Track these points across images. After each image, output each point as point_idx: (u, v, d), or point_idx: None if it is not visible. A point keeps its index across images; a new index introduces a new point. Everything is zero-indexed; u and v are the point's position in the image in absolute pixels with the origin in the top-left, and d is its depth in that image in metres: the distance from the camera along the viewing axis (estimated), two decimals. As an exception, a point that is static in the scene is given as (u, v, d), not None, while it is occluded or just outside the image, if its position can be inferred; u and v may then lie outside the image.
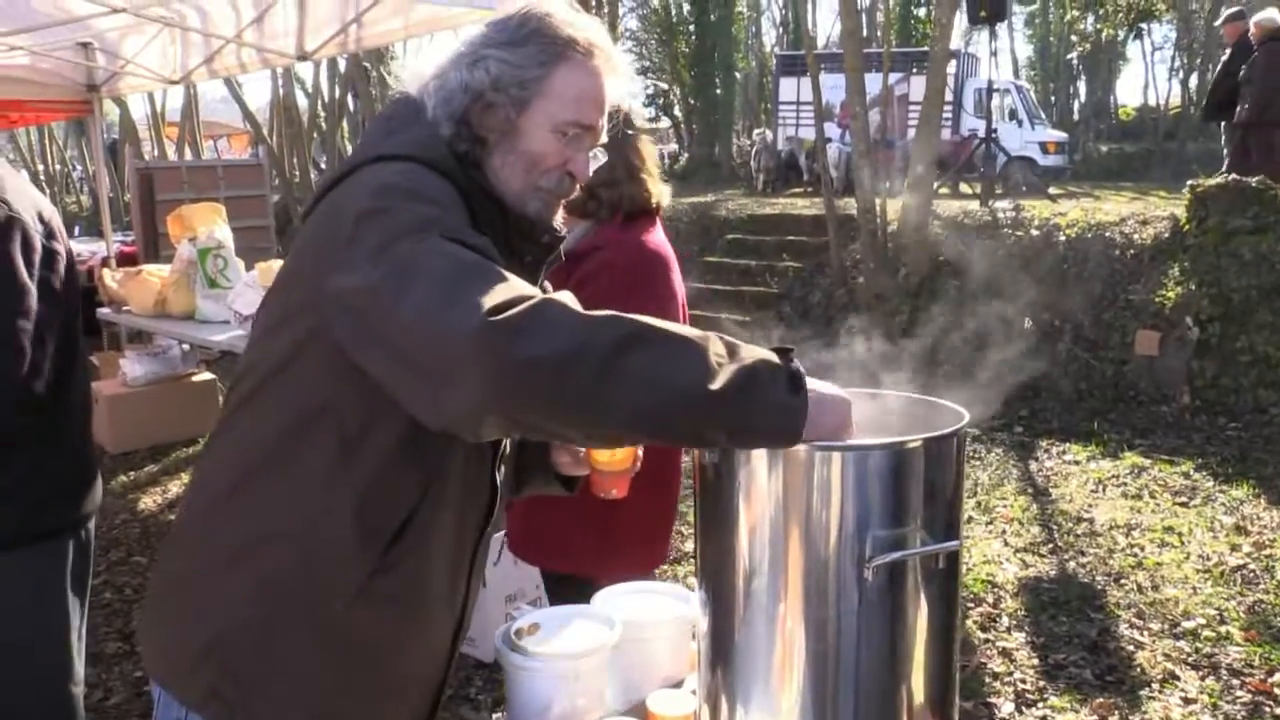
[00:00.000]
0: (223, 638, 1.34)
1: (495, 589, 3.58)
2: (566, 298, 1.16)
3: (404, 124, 1.38)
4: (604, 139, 1.46)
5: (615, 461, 1.56)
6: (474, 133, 1.37)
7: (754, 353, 1.17)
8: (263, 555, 1.33)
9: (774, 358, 1.18)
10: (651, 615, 1.70)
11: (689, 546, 4.84)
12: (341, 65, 19.53)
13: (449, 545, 1.42)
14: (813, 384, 1.21)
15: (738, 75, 26.67)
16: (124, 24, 5.56)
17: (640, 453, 1.61)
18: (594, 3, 18.32)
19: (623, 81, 1.45)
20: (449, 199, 1.28)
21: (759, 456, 1.33)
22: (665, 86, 27.76)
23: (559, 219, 1.47)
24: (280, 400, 1.33)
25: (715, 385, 1.10)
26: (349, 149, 23.87)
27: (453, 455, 1.37)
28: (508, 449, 1.56)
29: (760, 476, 1.33)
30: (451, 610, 1.48)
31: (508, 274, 1.16)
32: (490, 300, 1.09)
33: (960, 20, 11.60)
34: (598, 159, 1.46)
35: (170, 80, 6.80)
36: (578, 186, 1.45)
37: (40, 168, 27.23)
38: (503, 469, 1.53)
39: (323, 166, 22.77)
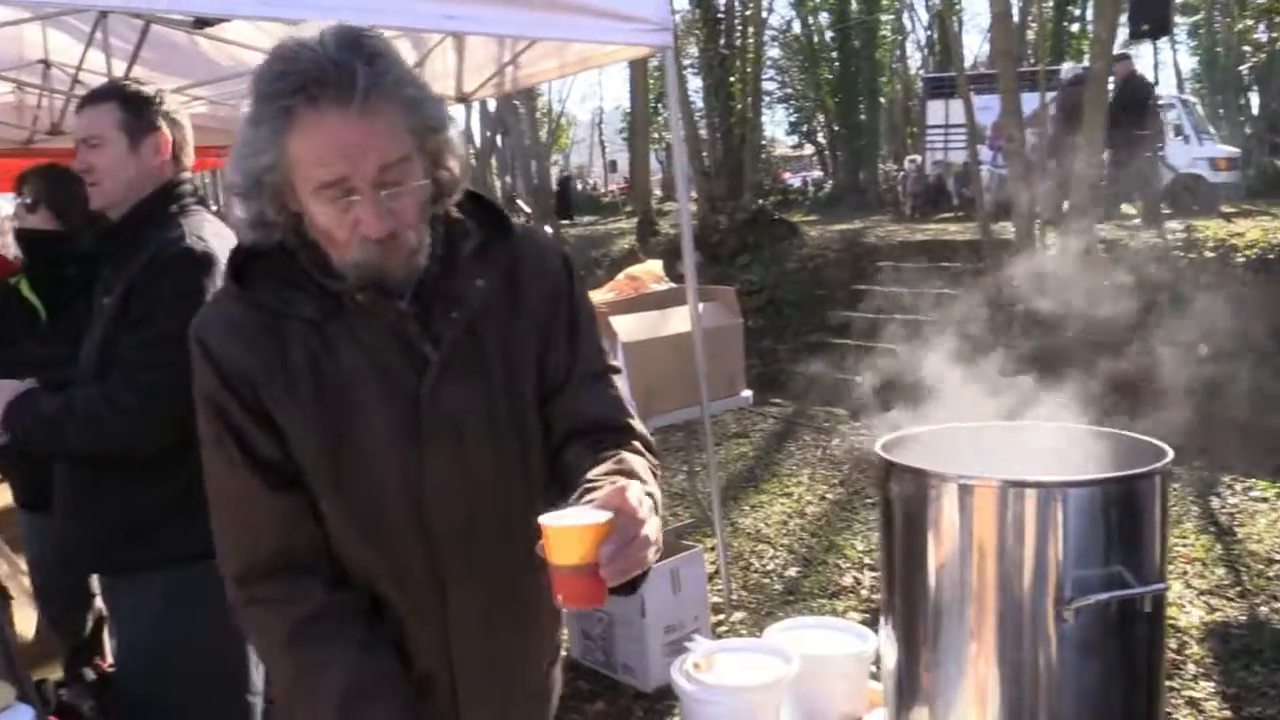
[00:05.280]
0: None
1: (655, 619, 3.60)
2: None
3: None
4: (401, 170, 1.17)
5: (568, 553, 1.07)
6: (279, 218, 1.23)
7: None
8: None
9: None
10: (830, 650, 1.67)
11: (847, 580, 4.74)
12: (492, 105, 20.17)
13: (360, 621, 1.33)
14: None
15: (882, 100, 26.31)
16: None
17: (603, 547, 1.07)
18: (738, 33, 18.45)
19: (384, 98, 1.14)
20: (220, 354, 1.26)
21: (949, 492, 1.30)
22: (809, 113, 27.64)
23: (415, 256, 1.24)
24: None
25: None
26: (498, 186, 24.66)
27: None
28: None
29: (950, 513, 1.30)
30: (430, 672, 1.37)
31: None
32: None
33: (1118, 34, 11.11)
34: (410, 192, 1.19)
35: (340, 124, 7.17)
36: (406, 234, 1.20)
37: (214, 208, 29.19)
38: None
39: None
